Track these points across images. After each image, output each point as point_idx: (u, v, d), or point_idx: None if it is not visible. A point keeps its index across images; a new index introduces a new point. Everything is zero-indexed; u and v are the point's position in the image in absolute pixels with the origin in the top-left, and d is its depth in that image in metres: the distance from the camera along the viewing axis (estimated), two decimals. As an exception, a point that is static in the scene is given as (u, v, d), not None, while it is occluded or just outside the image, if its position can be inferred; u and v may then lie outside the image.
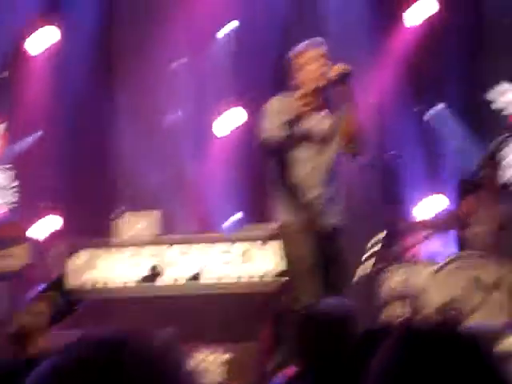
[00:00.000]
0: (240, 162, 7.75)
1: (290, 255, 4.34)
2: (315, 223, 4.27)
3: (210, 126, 7.93)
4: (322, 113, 4.30)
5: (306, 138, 4.24)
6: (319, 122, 4.29)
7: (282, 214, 4.33)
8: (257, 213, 7.32)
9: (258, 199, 7.47)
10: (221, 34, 8.03)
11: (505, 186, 5.98)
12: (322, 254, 4.26)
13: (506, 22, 7.55)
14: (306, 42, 4.35)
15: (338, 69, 4.14)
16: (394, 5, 7.64)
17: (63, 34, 7.69)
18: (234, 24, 7.97)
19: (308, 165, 4.24)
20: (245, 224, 6.80)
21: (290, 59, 4.36)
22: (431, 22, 7.59)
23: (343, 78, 4.12)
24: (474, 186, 6.65)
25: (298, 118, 4.16)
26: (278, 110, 4.20)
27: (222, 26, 8.02)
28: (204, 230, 7.03)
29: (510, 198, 5.88)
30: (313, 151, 4.25)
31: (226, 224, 7.65)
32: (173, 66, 7.98)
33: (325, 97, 4.32)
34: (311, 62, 4.23)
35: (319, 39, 4.36)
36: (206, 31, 7.92)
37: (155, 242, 5.89)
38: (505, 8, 7.57)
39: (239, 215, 7.74)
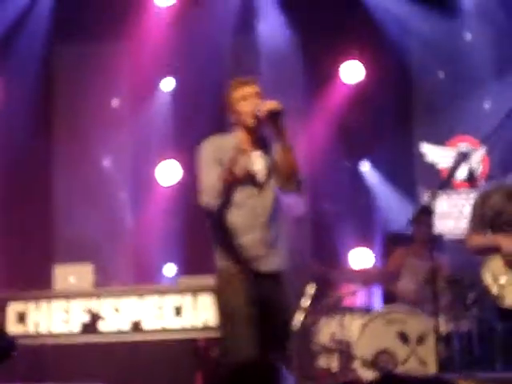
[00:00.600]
0: (177, 213, 7.81)
1: (223, 303, 4.08)
2: (254, 268, 4.04)
3: (148, 178, 7.99)
4: (257, 153, 4.12)
5: (242, 179, 4.03)
6: (255, 162, 4.11)
7: (219, 260, 4.12)
8: (191, 265, 7.39)
9: (192, 251, 7.54)
10: (160, 87, 8.17)
11: (435, 239, 6.11)
12: (261, 303, 4.03)
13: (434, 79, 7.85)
14: (241, 78, 4.17)
15: (267, 106, 3.91)
16: (327, 63, 7.85)
17: (1, 86, 7.72)
18: (172, 80, 8.12)
19: (245, 207, 4.04)
20: (178, 276, 6.82)
21: (226, 95, 4.15)
22: (363, 81, 7.85)
23: (273, 117, 3.90)
24: (402, 239, 6.83)
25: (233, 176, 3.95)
26: (212, 158, 4.02)
27: (162, 78, 8.15)
28: (139, 281, 7.07)
29: (437, 252, 6.02)
30: (249, 193, 4.06)
31: (161, 276, 7.67)
32: (112, 117, 8.05)
33: (260, 136, 4.14)
34: (244, 99, 4.06)
35: (253, 77, 4.18)
36: (147, 83, 8.02)
37: (87, 295, 5.90)
38: (430, 66, 7.88)
39: (173, 268, 7.78)
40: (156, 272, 7.70)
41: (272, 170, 4.13)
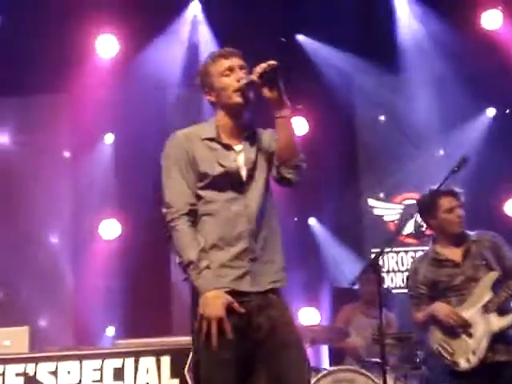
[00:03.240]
0: (116, 273, 7.63)
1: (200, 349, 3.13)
2: (239, 289, 3.16)
3: (88, 238, 7.82)
4: (239, 146, 3.33)
5: (219, 181, 3.27)
6: (236, 158, 3.32)
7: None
8: (133, 327, 7.19)
9: (133, 313, 7.35)
10: (103, 141, 8.07)
11: (382, 296, 6.02)
12: (251, 341, 3.14)
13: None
14: (223, 49, 3.41)
15: (261, 67, 3.19)
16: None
17: None
18: (111, 136, 8.04)
19: (224, 215, 3.22)
20: (118, 338, 6.59)
21: (201, 72, 3.38)
22: (308, 136, 7.84)
23: (271, 77, 3.17)
24: (349, 296, 6.73)
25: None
26: (177, 158, 3.25)
27: (103, 133, 8.07)
28: (79, 343, 6.85)
29: (385, 309, 5.93)
30: (229, 196, 3.25)
31: (101, 338, 7.45)
32: (53, 169, 7.90)
33: (244, 121, 3.36)
34: (231, 70, 3.31)
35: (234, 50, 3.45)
36: (88, 136, 7.91)
37: (22, 359, 5.64)
38: (375, 123, 7.92)
39: (112, 330, 7.57)
40: (96, 334, 7.46)
41: (260, 164, 3.34)
